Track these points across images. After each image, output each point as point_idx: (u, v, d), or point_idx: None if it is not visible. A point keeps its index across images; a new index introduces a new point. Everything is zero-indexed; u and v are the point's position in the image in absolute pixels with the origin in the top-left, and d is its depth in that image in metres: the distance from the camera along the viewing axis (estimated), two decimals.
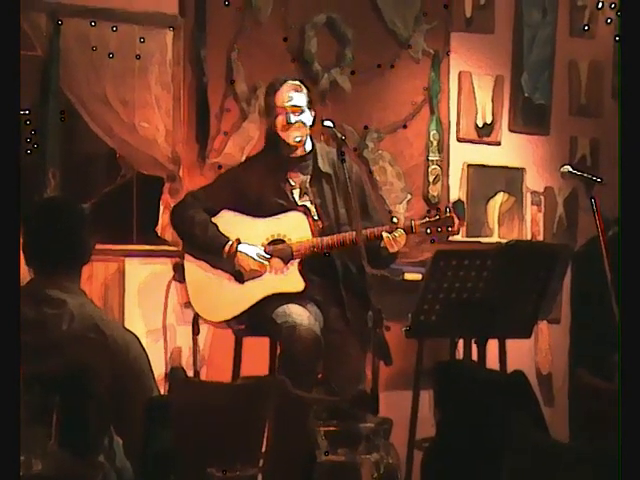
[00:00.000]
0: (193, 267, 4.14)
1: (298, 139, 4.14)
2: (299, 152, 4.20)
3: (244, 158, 4.83)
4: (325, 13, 5.30)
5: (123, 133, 4.80)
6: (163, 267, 4.75)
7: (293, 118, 4.12)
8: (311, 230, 4.09)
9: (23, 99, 4.42)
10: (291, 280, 4.07)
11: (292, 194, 4.17)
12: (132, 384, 2.68)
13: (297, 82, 4.23)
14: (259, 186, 4.15)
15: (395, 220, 4.09)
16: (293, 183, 4.19)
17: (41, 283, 2.82)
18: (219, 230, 4.11)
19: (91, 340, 2.68)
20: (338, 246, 4.06)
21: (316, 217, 4.15)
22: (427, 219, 4.06)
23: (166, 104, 4.91)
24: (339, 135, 3.96)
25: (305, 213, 4.13)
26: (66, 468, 1.83)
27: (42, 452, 1.80)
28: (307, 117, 4.16)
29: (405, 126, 5.53)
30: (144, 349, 2.79)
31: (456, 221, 4.04)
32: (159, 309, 4.65)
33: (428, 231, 4.05)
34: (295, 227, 4.11)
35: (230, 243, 4.08)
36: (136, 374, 2.71)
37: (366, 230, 4.01)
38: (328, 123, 4.01)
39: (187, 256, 4.16)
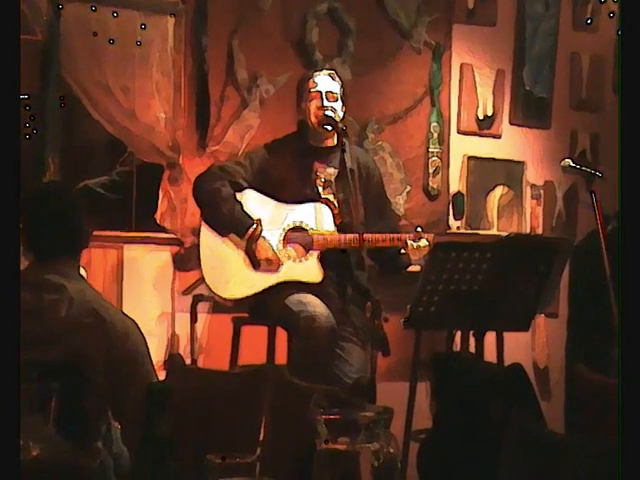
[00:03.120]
0: (210, 238, 4.07)
1: (329, 127, 4.10)
2: (328, 142, 4.19)
3: (270, 141, 4.43)
4: (327, 2, 5.29)
5: (123, 120, 4.78)
6: (162, 254, 4.75)
7: (327, 102, 4.10)
8: (335, 224, 4.10)
9: (22, 84, 4.42)
10: (310, 270, 4.06)
11: (316, 185, 4.16)
12: (131, 370, 2.67)
13: (332, 71, 4.24)
14: (285, 171, 4.13)
15: (419, 229, 4.11)
16: (319, 174, 4.17)
17: (39, 268, 2.80)
18: (244, 210, 4.06)
19: (90, 325, 2.66)
20: (357, 245, 3.91)
21: (337, 211, 4.15)
22: None
23: (166, 91, 4.89)
24: (340, 125, 3.95)
25: (328, 205, 4.13)
26: (63, 453, 1.82)
27: (39, 437, 1.80)
28: (339, 106, 4.15)
29: (404, 118, 5.53)
30: (143, 335, 2.78)
31: None
32: (157, 296, 4.64)
33: None
34: (318, 218, 4.10)
35: (254, 226, 4.03)
36: (135, 360, 2.70)
37: (391, 235, 4.09)
38: (329, 113, 4.00)
39: (204, 224, 4.09)
